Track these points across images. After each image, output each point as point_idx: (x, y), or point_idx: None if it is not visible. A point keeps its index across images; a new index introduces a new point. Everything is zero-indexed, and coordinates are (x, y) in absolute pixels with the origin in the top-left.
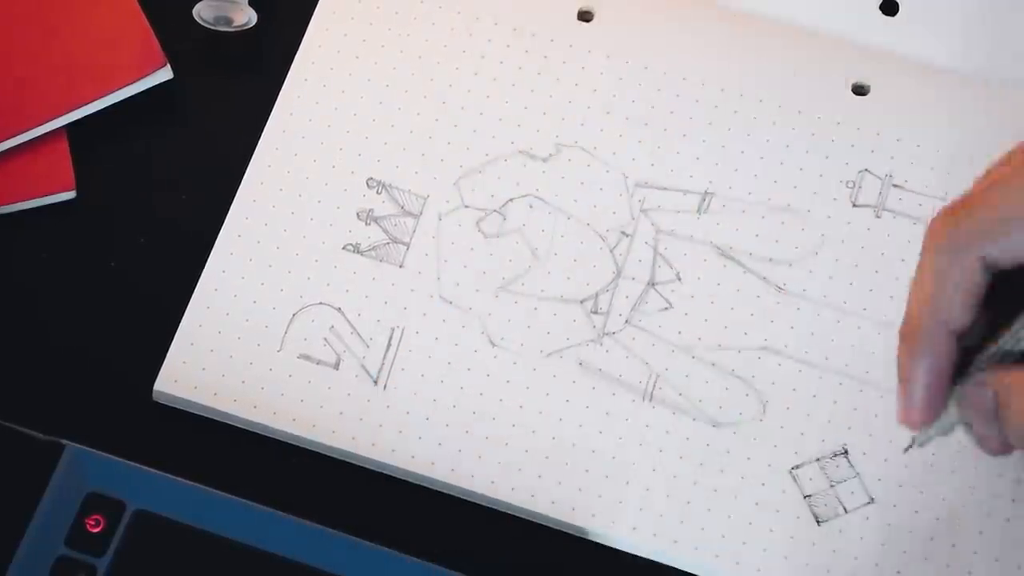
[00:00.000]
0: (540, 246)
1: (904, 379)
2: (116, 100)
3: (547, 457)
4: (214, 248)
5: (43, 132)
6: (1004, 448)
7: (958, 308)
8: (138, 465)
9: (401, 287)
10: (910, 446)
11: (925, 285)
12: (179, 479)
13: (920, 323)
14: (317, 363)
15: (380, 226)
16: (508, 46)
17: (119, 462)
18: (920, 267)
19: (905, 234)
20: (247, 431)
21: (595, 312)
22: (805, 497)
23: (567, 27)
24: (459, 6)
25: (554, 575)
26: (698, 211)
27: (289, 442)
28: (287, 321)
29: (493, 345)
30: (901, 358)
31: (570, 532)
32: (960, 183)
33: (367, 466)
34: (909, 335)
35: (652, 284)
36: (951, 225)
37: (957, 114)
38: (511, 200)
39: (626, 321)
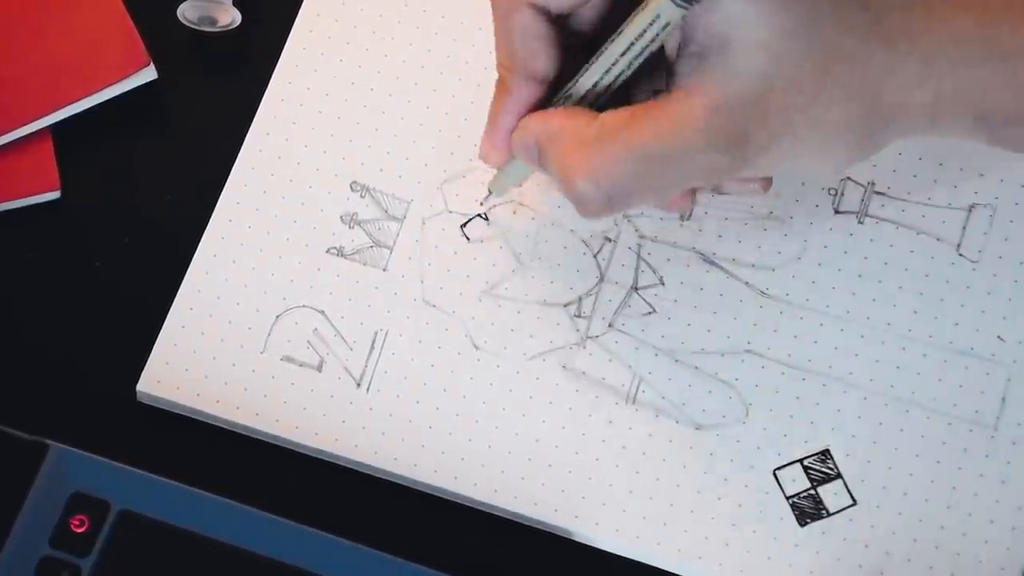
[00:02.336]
0: (523, 251)
1: (490, 121)
2: (100, 100)
3: (530, 459)
4: (198, 249)
5: (27, 132)
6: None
7: (525, 54)
8: (122, 465)
9: (384, 290)
10: (487, 197)
11: (496, 36)
12: (163, 479)
13: (502, 71)
14: (300, 365)
15: (364, 229)
16: (492, 52)
17: (103, 462)
18: (493, 18)
19: (887, 239)
20: (230, 432)
21: (578, 316)
22: (788, 499)
23: None
24: (443, 11)
25: None
26: (681, 217)
27: (272, 443)
28: (270, 323)
29: (476, 348)
30: (492, 103)
31: (553, 533)
32: (944, 190)
33: (350, 467)
34: (499, 81)
35: (635, 289)
36: None
37: None
38: (494, 205)
39: (609, 325)
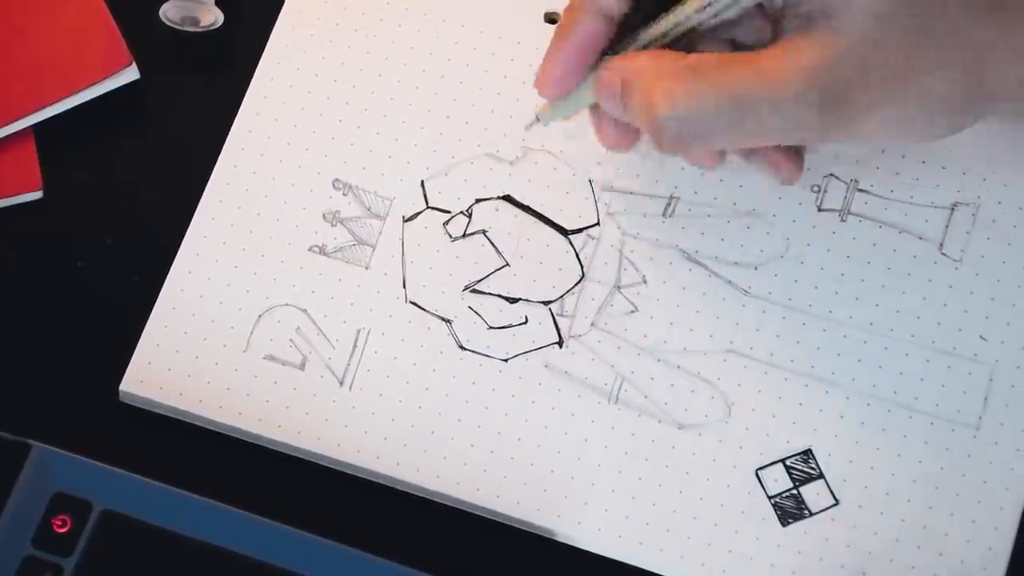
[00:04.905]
0: (506, 249)
1: (551, 54)
2: (83, 100)
3: (512, 458)
4: (180, 249)
5: (9, 132)
6: (620, 141)
7: None
8: (105, 465)
9: (367, 289)
10: (533, 123)
11: None
12: (146, 479)
13: (575, 3)
14: (283, 364)
15: (346, 227)
16: (474, 49)
17: (86, 462)
18: None
19: (870, 237)
20: (213, 431)
21: (561, 315)
22: (770, 498)
23: (534, 30)
24: (425, 8)
25: (519, 575)
26: (664, 215)
27: (255, 442)
28: (253, 322)
29: (459, 347)
30: (556, 35)
31: (535, 532)
32: (926, 188)
33: (332, 466)
34: (567, 14)
35: (618, 287)
36: None
37: None
38: (477, 202)
39: (592, 324)
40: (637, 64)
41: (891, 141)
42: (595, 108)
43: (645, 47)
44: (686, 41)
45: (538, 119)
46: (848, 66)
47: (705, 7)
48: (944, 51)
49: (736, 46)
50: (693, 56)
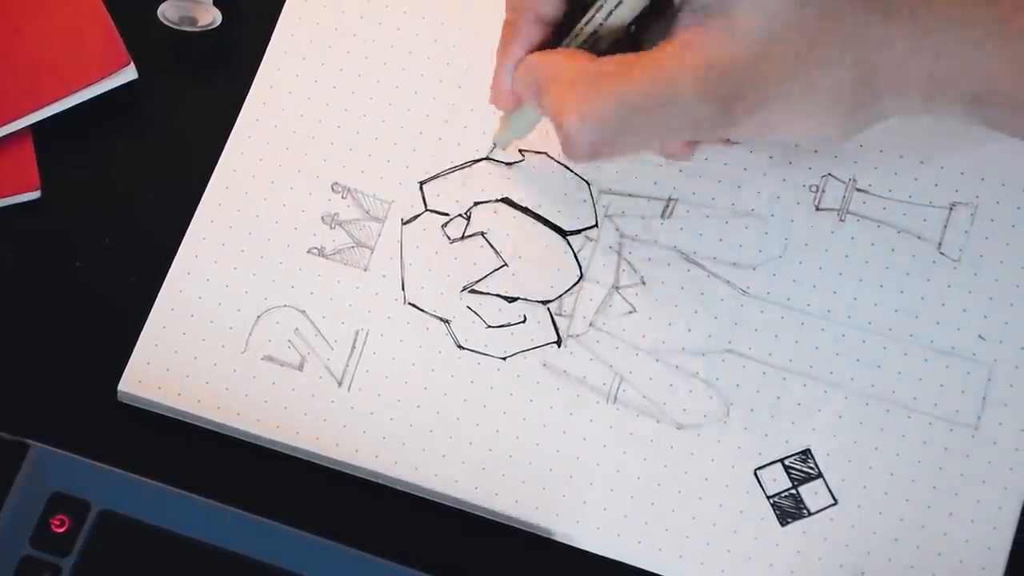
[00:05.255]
0: (504, 250)
1: (497, 66)
2: (81, 100)
3: (511, 457)
4: (179, 250)
5: (7, 132)
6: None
7: None
8: (103, 465)
9: (365, 290)
10: (492, 149)
11: None
12: (144, 479)
13: (512, 14)
14: (281, 365)
15: (345, 230)
16: (474, 52)
17: (84, 462)
18: None
19: (869, 237)
20: (211, 431)
21: (559, 314)
22: (769, 498)
23: None
24: (424, 12)
25: (518, 574)
26: (662, 216)
27: (253, 443)
28: (251, 323)
29: (457, 346)
30: (499, 47)
31: (534, 532)
32: (925, 188)
33: (331, 466)
34: (506, 25)
35: (616, 288)
36: None
37: (919, 120)
38: (476, 205)
39: (590, 324)
40: (550, 63)
41: (790, 138)
42: None
43: (567, 45)
44: (603, 41)
45: (495, 145)
46: (739, 65)
47: (601, 7)
48: (833, 47)
49: (641, 43)
50: (599, 61)
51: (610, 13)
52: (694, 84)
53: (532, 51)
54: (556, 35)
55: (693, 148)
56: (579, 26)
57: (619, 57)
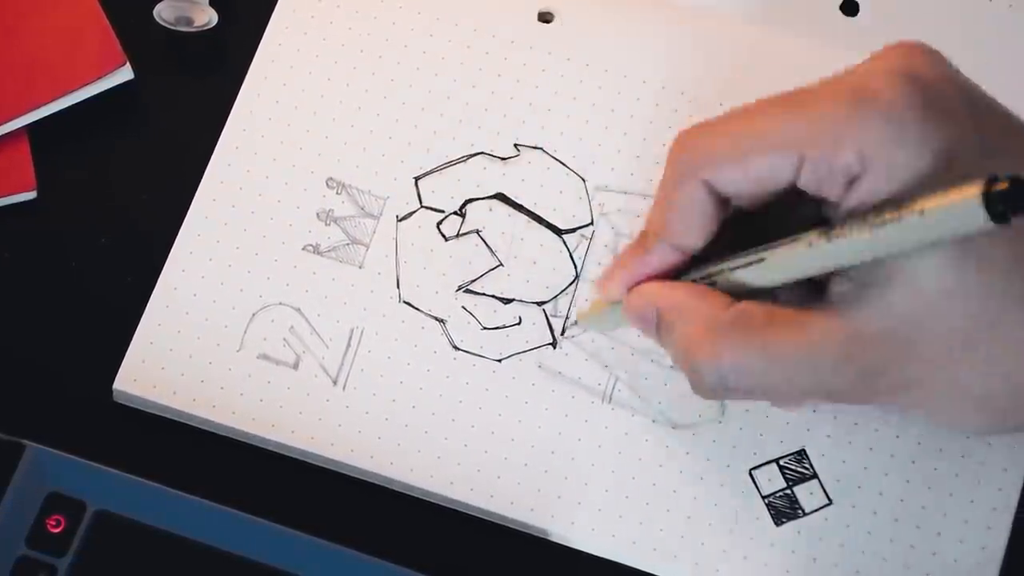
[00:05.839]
0: (500, 248)
1: (622, 264)
2: (77, 100)
3: (506, 458)
4: (173, 247)
5: (3, 132)
6: None
7: (681, 226)
8: (99, 465)
9: (361, 288)
10: (572, 324)
11: (657, 195)
12: (140, 479)
13: (651, 236)
14: (276, 363)
15: (340, 227)
16: (468, 47)
17: (80, 462)
18: (662, 178)
19: None
20: (207, 431)
21: (554, 315)
22: (764, 498)
23: (528, 29)
24: (419, 7)
25: (513, 575)
26: None
27: (248, 442)
28: (246, 321)
29: (452, 347)
30: (629, 250)
31: (529, 532)
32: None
33: (326, 466)
34: (642, 236)
35: None
36: (682, 145)
37: None
38: (471, 201)
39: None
40: (675, 298)
41: (928, 424)
42: None
43: (690, 279)
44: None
45: (576, 322)
46: (890, 344)
47: (752, 264)
48: (989, 355)
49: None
50: (740, 306)
51: (778, 271)
52: (836, 353)
53: (656, 274)
54: (687, 265)
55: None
56: (716, 267)
57: (762, 307)
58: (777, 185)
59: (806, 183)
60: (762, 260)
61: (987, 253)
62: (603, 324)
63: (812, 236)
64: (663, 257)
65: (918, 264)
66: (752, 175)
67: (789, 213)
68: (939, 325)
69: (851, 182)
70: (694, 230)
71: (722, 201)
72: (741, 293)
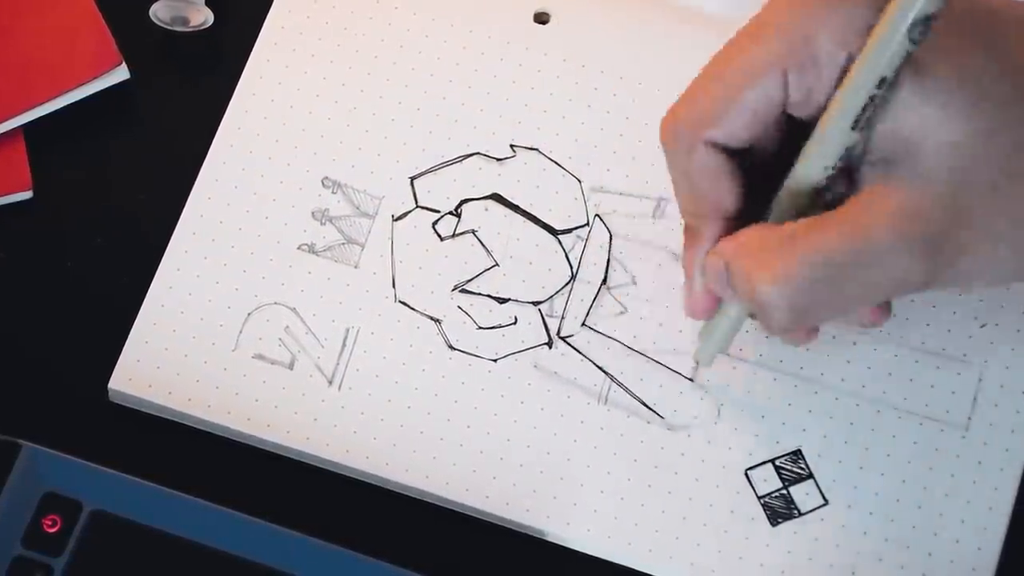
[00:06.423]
0: (495, 248)
1: (687, 273)
2: (73, 100)
3: (502, 458)
4: (169, 246)
5: None
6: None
7: (712, 193)
8: (95, 465)
9: (356, 287)
10: (695, 368)
11: (675, 183)
12: (136, 479)
13: (689, 218)
14: (272, 363)
15: (335, 226)
16: (464, 48)
17: (76, 462)
18: (668, 168)
19: None
20: (202, 431)
21: (550, 315)
22: (759, 499)
23: (523, 29)
24: (415, 7)
25: (509, 575)
26: (653, 216)
27: (244, 442)
28: (242, 320)
29: (448, 347)
30: (684, 254)
31: (525, 533)
32: None
33: (321, 466)
34: (687, 230)
35: (607, 288)
36: (672, 121)
37: None
38: (466, 201)
39: (581, 324)
40: (738, 242)
41: (998, 284)
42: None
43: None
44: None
45: (697, 363)
46: (940, 206)
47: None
48: None
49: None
50: (787, 225)
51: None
52: (890, 231)
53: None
54: (737, 227)
55: (886, 315)
56: (777, 198)
57: (806, 220)
58: (772, 110)
59: (796, 98)
60: (795, 164)
61: (987, 91)
62: (718, 340)
63: (831, 106)
64: (712, 233)
65: (933, 119)
66: (747, 113)
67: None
68: (978, 170)
69: (840, 77)
70: (722, 191)
71: (733, 155)
72: (794, 217)
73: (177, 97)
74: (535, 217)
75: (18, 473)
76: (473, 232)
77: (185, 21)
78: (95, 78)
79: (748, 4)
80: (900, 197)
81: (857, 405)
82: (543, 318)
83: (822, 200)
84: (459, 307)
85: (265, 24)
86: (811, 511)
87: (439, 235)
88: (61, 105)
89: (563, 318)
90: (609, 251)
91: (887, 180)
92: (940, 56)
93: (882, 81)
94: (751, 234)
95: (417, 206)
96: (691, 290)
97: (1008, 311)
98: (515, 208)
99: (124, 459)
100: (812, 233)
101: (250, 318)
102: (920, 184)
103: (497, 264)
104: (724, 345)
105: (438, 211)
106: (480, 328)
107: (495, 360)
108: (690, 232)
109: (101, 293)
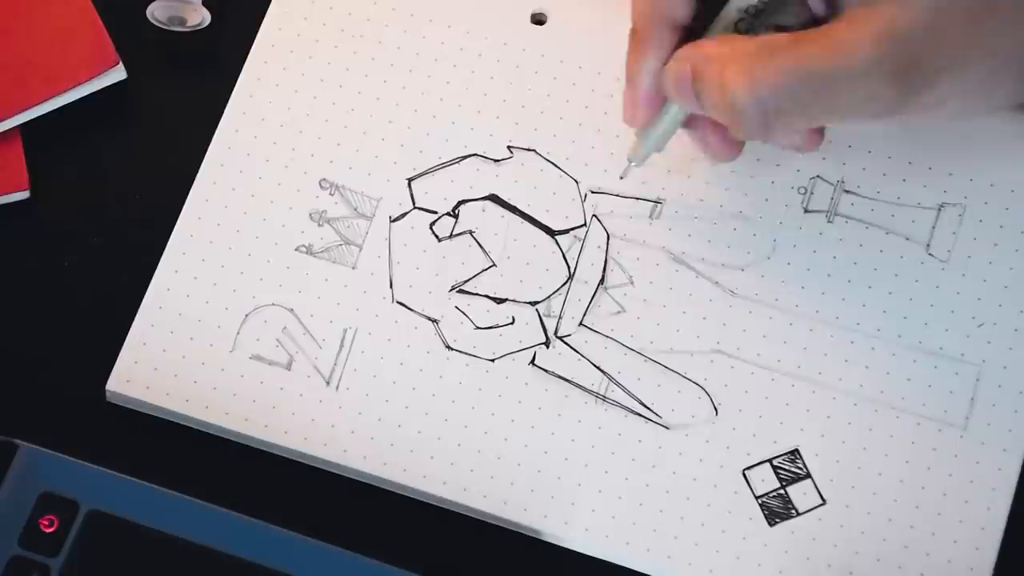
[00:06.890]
0: (493, 249)
1: (630, 78)
2: (70, 100)
3: (499, 458)
4: (167, 248)
5: None
6: (729, 149)
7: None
8: (92, 465)
9: (354, 288)
10: (627, 168)
11: None
12: (133, 479)
13: (641, 22)
14: (269, 364)
15: (333, 227)
16: (461, 49)
17: (73, 462)
18: None
19: (857, 238)
20: (200, 431)
21: (547, 315)
22: (757, 498)
23: (520, 31)
24: (413, 8)
25: (506, 575)
26: (650, 217)
27: (241, 442)
28: (240, 321)
29: (446, 347)
30: (629, 60)
31: (523, 532)
32: (914, 189)
33: (319, 466)
34: (634, 35)
35: (604, 288)
36: None
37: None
38: (464, 202)
39: (579, 324)
40: (706, 51)
41: (966, 113)
42: (693, 122)
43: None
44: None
45: (630, 161)
46: (916, 31)
47: None
48: (1010, 9)
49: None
50: (762, 38)
51: None
52: (872, 52)
53: (665, 60)
54: (687, 40)
55: (819, 141)
56: (724, 11)
57: (783, 35)
58: None
59: None
60: None
61: None
62: (655, 140)
63: None
64: (662, 40)
65: None
66: None
67: None
68: (955, 1)
69: None
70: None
71: None
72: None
73: (174, 97)
74: (532, 218)
75: (15, 473)
76: (470, 233)
77: (182, 21)
78: (92, 78)
79: None
80: (884, 17)
81: (855, 405)
82: (540, 318)
83: (762, 22)
84: (456, 307)
85: (262, 26)
86: (809, 511)
87: (436, 236)
88: (58, 105)
89: (560, 318)
90: (607, 251)
91: (869, 4)
92: None
93: None
94: (720, 44)
95: (414, 207)
96: (632, 96)
97: (1006, 311)
98: (512, 209)
99: (121, 459)
100: (793, 47)
101: (248, 319)
102: (900, 9)
103: (495, 264)
104: (661, 145)
105: (435, 212)
106: (477, 328)
107: (493, 360)
108: (637, 38)
109: (99, 294)
